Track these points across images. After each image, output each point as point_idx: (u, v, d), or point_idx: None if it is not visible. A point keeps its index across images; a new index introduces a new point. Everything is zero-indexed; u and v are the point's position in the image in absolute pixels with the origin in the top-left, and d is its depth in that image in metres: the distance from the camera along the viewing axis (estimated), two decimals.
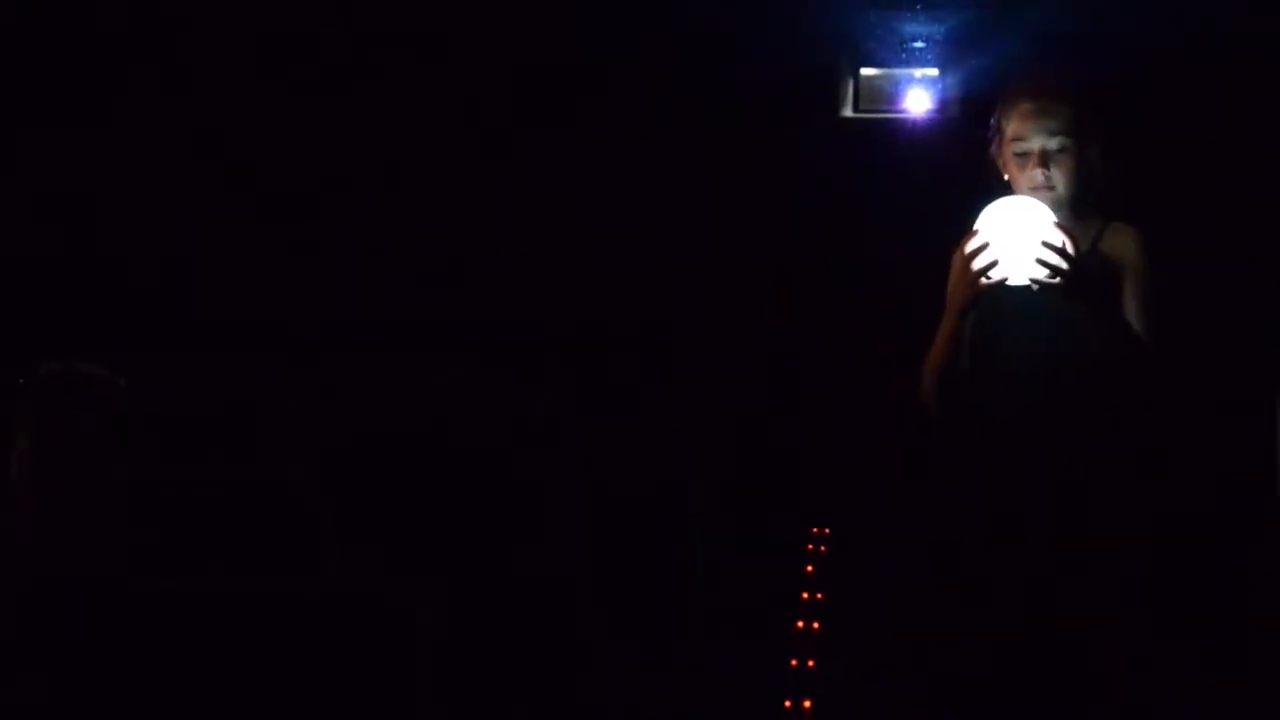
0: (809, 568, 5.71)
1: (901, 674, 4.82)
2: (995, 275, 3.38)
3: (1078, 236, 3.43)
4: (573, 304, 6.15)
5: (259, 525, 3.34)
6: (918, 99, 6.30)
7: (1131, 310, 3.44)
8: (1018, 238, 3.36)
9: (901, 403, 3.65)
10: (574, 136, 6.20)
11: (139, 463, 3.22)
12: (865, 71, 6.33)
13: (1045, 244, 3.33)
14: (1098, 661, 3.37)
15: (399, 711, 2.98)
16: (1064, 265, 3.33)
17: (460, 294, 6.14)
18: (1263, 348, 5.53)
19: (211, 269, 6.12)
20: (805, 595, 5.56)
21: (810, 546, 5.83)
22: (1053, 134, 3.48)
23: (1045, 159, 3.48)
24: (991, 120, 3.59)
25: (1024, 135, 3.50)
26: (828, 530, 5.90)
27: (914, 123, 6.31)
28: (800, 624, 5.43)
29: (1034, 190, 3.48)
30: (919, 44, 6.27)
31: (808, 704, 5.04)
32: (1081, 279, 3.35)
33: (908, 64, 6.30)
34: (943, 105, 6.27)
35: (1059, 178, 3.49)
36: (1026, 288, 3.38)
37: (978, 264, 3.38)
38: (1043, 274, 3.34)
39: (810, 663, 5.22)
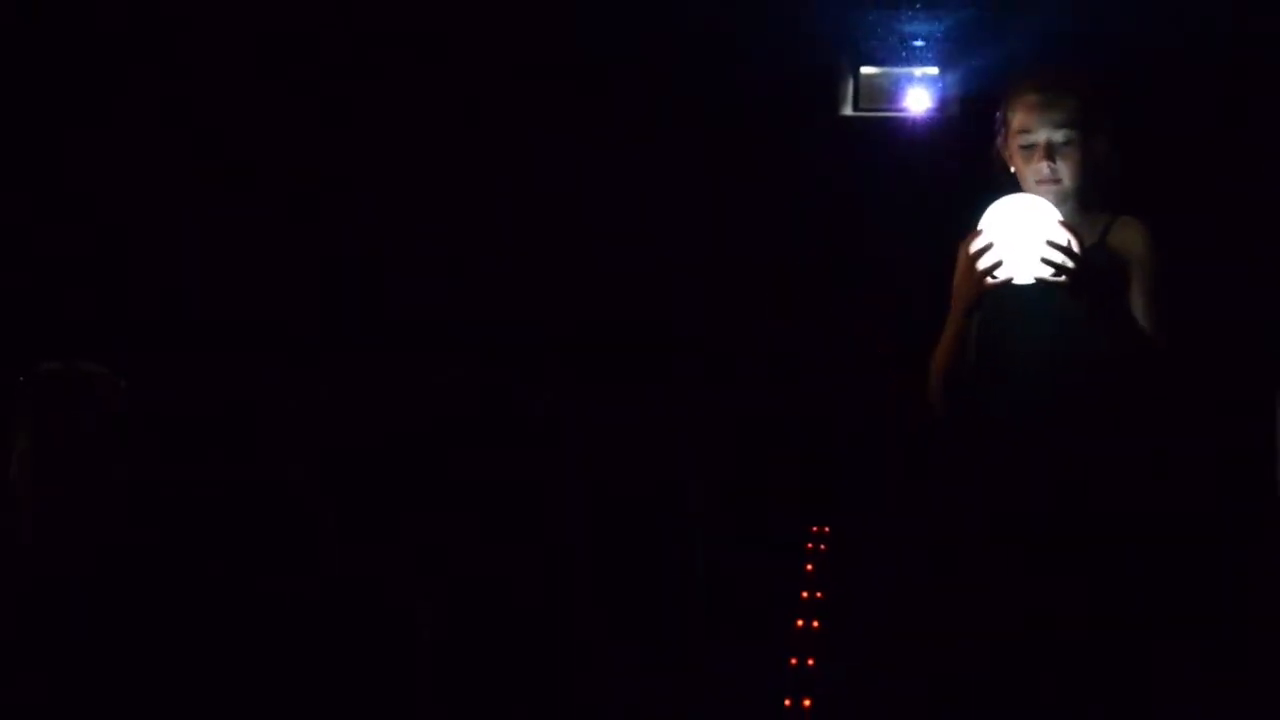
0: (809, 567, 5.71)
1: (901, 674, 4.82)
2: (1001, 274, 3.36)
3: (1084, 231, 3.42)
4: (573, 304, 6.15)
5: (259, 525, 3.35)
6: (918, 97, 6.30)
7: (1139, 306, 3.43)
8: (1023, 236, 3.35)
9: (902, 403, 3.65)
10: (574, 136, 6.20)
11: (139, 463, 3.22)
12: (865, 70, 6.33)
13: (1050, 243, 3.33)
14: (1098, 661, 3.37)
15: (399, 711, 2.99)
16: (1070, 264, 3.32)
17: (460, 294, 6.14)
18: (1263, 348, 5.53)
19: (211, 269, 6.12)
20: (805, 594, 5.56)
21: (810, 545, 5.83)
22: (1058, 126, 3.46)
23: (1051, 151, 3.46)
24: (997, 113, 3.56)
25: (1030, 127, 3.48)
26: (827, 529, 5.90)
27: (914, 121, 6.31)
28: (800, 623, 5.43)
29: (1040, 183, 3.47)
30: (919, 42, 6.27)
31: (807, 703, 5.04)
32: (1087, 277, 3.34)
33: (908, 63, 6.30)
34: (943, 104, 6.27)
35: (1065, 170, 3.46)
36: (1032, 286, 3.37)
37: (983, 263, 3.37)
38: (1048, 273, 3.34)
39: (810, 662, 5.23)
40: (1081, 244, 3.37)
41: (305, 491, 3.50)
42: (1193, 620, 3.70)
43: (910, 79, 6.29)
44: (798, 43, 6.22)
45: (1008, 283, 3.38)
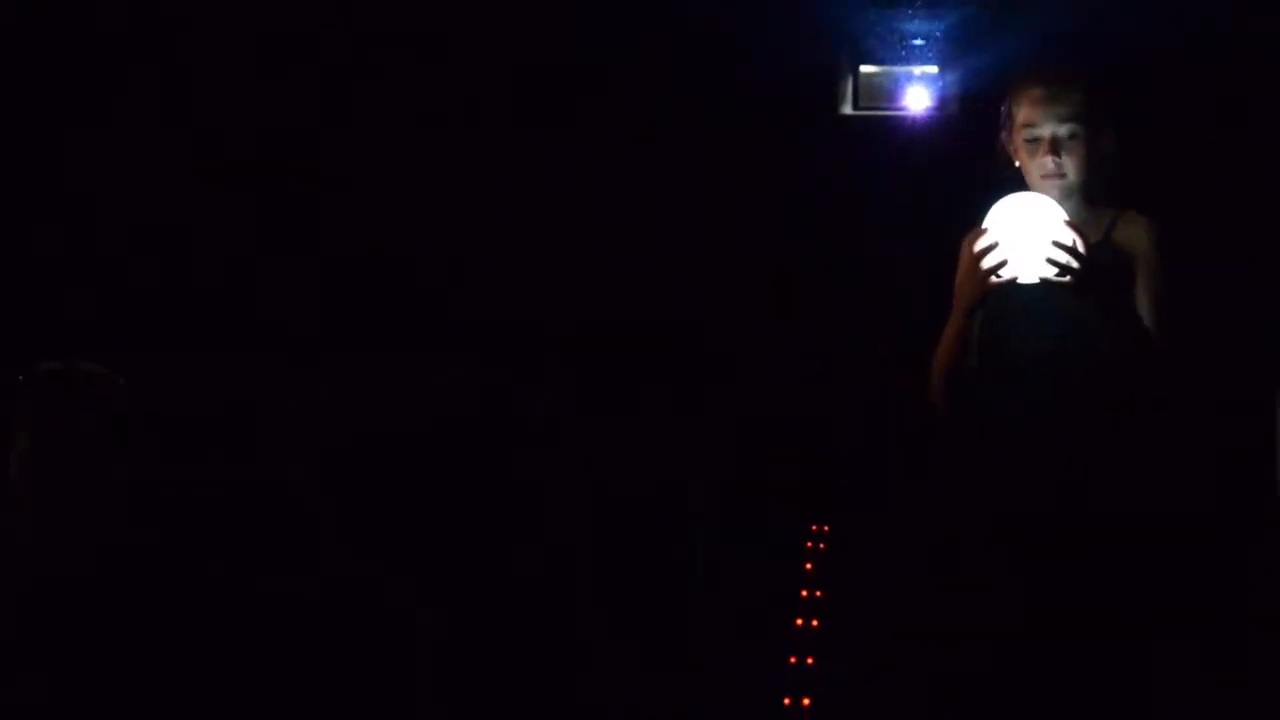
0: (808, 565, 5.71)
1: (901, 674, 4.82)
2: (1005, 274, 3.35)
3: (1088, 227, 3.40)
4: (573, 304, 6.15)
5: (259, 525, 3.34)
6: (917, 96, 6.29)
7: (1143, 304, 3.42)
8: (1028, 235, 3.33)
9: (902, 402, 3.65)
10: (574, 136, 6.20)
11: (139, 463, 3.22)
12: (865, 69, 6.32)
13: (1056, 243, 3.31)
14: (1098, 661, 3.37)
15: (399, 711, 2.98)
16: (1075, 264, 3.30)
17: (460, 294, 6.14)
18: (1263, 348, 5.53)
19: (211, 269, 6.12)
20: (805, 593, 5.56)
21: (809, 544, 5.82)
22: (1063, 120, 3.45)
23: (1056, 146, 3.45)
24: (1002, 107, 3.55)
25: (1034, 122, 3.47)
26: (826, 528, 5.89)
27: (913, 120, 6.31)
28: (799, 622, 5.43)
29: (1045, 178, 3.45)
30: (918, 41, 6.27)
31: (807, 702, 5.04)
32: (1092, 276, 3.33)
33: (907, 61, 6.29)
34: (942, 103, 6.27)
35: (1070, 165, 3.45)
36: (1036, 285, 3.35)
37: (987, 262, 3.36)
38: (1053, 273, 3.32)
39: (809, 661, 5.22)
40: (1086, 241, 3.35)
41: (305, 491, 3.50)
42: (1193, 620, 3.70)
43: (910, 78, 6.29)
44: (797, 42, 6.22)
45: (1012, 282, 3.36)
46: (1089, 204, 3.47)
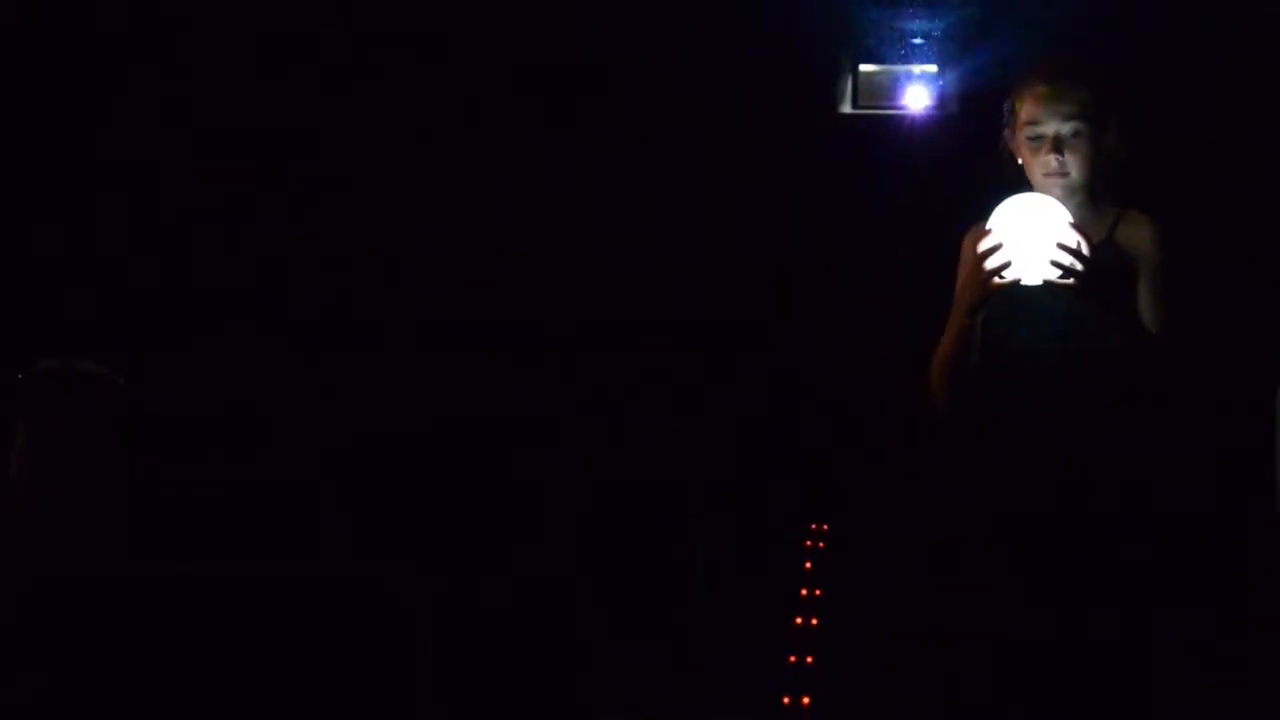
0: (808, 564, 5.71)
1: (901, 673, 4.82)
2: (1009, 276, 3.33)
3: (1091, 226, 3.39)
4: (573, 304, 6.15)
5: (259, 525, 3.34)
6: (916, 95, 6.29)
7: (1145, 304, 3.41)
8: (1032, 237, 3.31)
9: (902, 402, 3.65)
10: (574, 136, 6.20)
11: (139, 463, 3.22)
12: (864, 68, 6.32)
13: (1060, 245, 3.29)
14: (1098, 661, 3.37)
15: (399, 711, 2.98)
16: (1079, 266, 3.29)
17: (460, 294, 6.14)
18: (1263, 348, 5.53)
19: (211, 269, 6.12)
20: (804, 592, 5.56)
21: (809, 543, 5.83)
22: (1067, 118, 3.42)
23: (1059, 144, 3.42)
24: (1005, 104, 3.52)
25: (1038, 120, 3.44)
26: (825, 526, 5.90)
27: (913, 119, 6.31)
28: (799, 621, 5.43)
29: (1047, 176, 3.43)
30: (918, 40, 6.27)
31: (806, 701, 5.04)
32: (1096, 278, 3.32)
33: (907, 60, 6.29)
34: (941, 101, 6.27)
35: (1073, 163, 3.43)
36: (1038, 286, 3.34)
37: (991, 264, 3.34)
38: (1056, 274, 3.31)
39: (809, 660, 5.23)
40: (1089, 242, 3.34)
41: (305, 491, 3.50)
42: (1193, 620, 3.70)
43: (909, 77, 6.29)
44: (796, 40, 6.22)
45: (1015, 284, 3.35)
46: (1092, 203, 3.46)
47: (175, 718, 2.95)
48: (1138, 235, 3.46)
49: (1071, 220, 3.34)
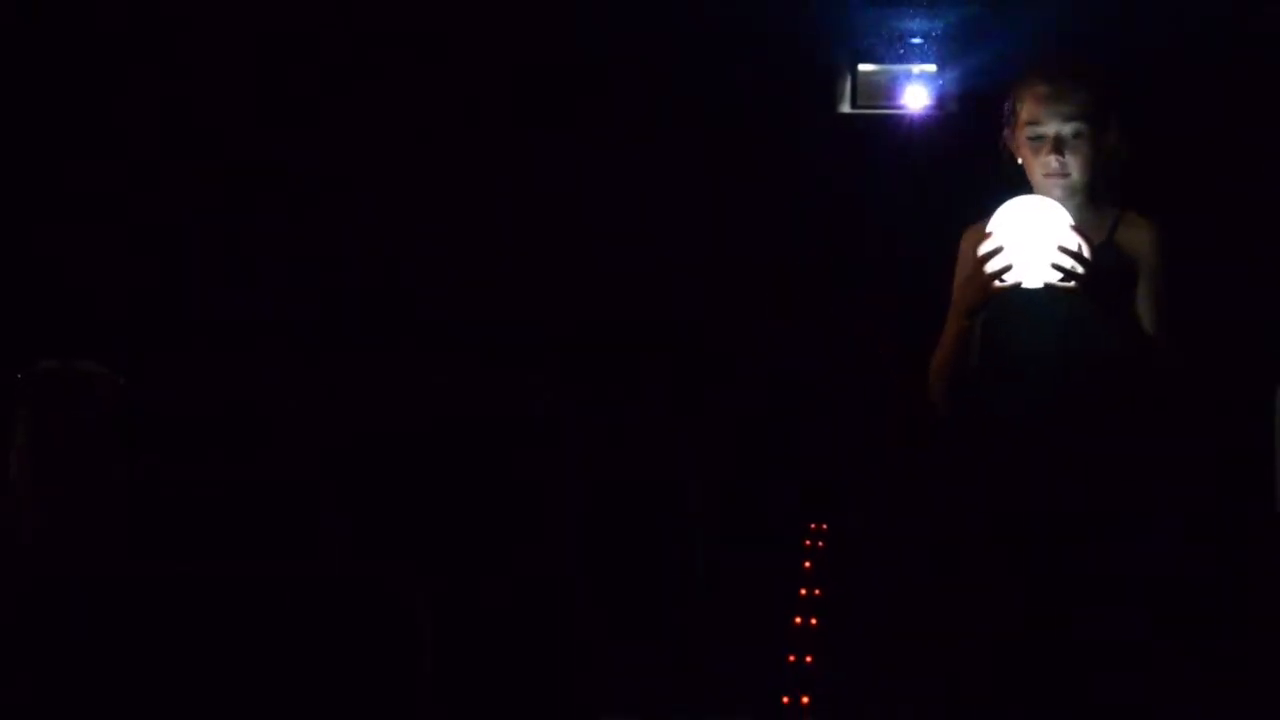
0: (807, 564, 5.71)
1: (901, 672, 4.82)
2: (1009, 279, 3.31)
3: (1091, 228, 3.37)
4: (573, 304, 6.15)
5: (259, 525, 3.34)
6: (916, 95, 6.29)
7: (1144, 306, 3.39)
8: (1033, 240, 3.29)
9: (902, 402, 3.64)
10: (574, 136, 6.20)
11: (139, 462, 3.22)
12: (863, 67, 6.32)
13: (1061, 248, 3.28)
14: (1098, 661, 3.37)
15: (399, 711, 2.98)
16: (1080, 269, 3.27)
17: (460, 294, 6.14)
18: (1263, 348, 5.53)
19: (211, 269, 6.12)
20: (804, 591, 5.56)
21: (808, 542, 5.83)
22: (1068, 119, 3.40)
23: (1060, 145, 3.40)
24: (1005, 104, 3.50)
25: (1038, 119, 3.42)
26: (825, 526, 5.89)
27: (912, 119, 6.31)
28: (799, 620, 5.43)
29: (1048, 177, 3.41)
30: (917, 40, 6.27)
31: (806, 701, 5.04)
32: (1097, 281, 3.30)
33: (906, 60, 6.29)
34: (941, 101, 6.27)
35: (1074, 164, 3.41)
36: (1039, 288, 3.33)
37: (991, 267, 3.32)
38: (1057, 277, 3.29)
39: (809, 659, 5.22)
40: (1090, 244, 3.33)
41: (305, 491, 3.50)
42: (1193, 620, 3.70)
43: (908, 76, 6.29)
44: (795, 40, 6.22)
45: (1016, 286, 3.33)
46: (1092, 204, 3.44)
47: (175, 718, 2.95)
48: (1137, 237, 3.44)
49: (1072, 223, 3.33)
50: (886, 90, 6.33)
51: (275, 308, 6.03)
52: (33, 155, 5.98)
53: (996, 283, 3.33)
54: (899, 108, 6.31)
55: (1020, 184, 3.49)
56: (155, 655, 2.95)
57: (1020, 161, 3.48)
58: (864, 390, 6.09)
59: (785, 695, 5.06)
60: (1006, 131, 3.51)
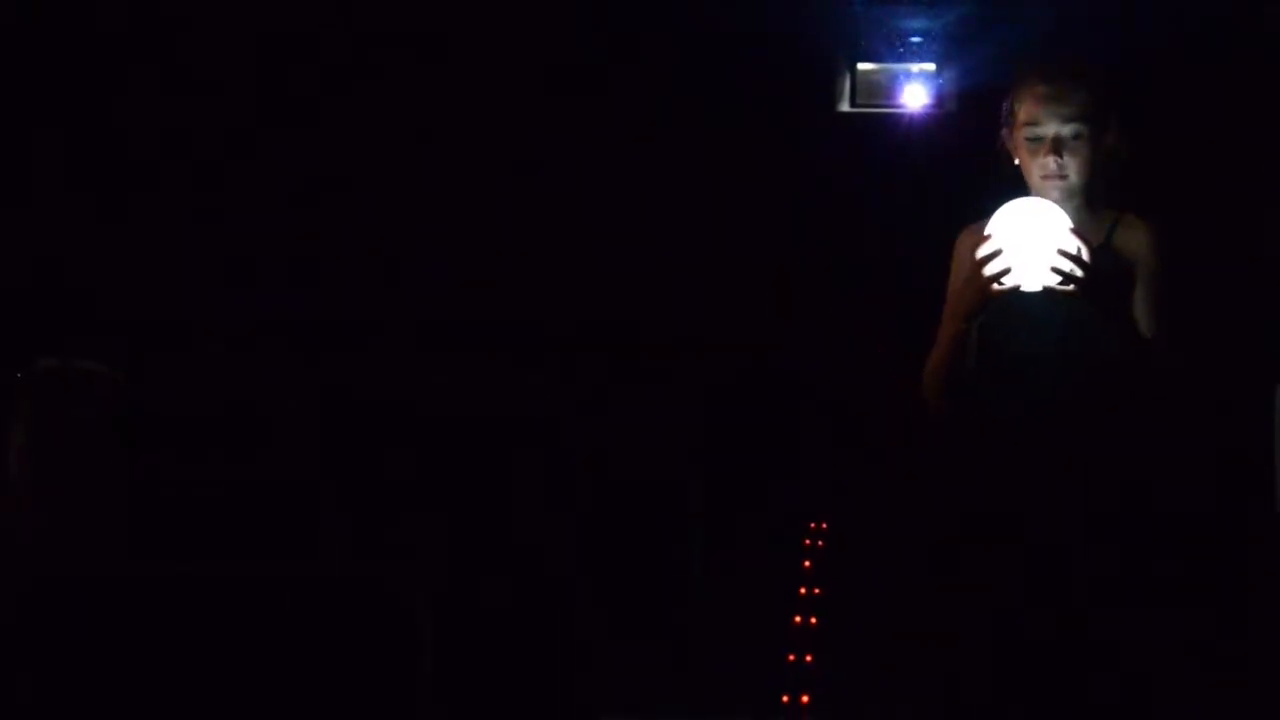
0: (807, 563, 5.72)
1: (900, 672, 4.82)
2: (1008, 282, 3.28)
3: (1089, 231, 3.33)
4: (573, 304, 6.15)
5: (259, 525, 3.34)
6: (915, 94, 6.30)
7: (1142, 309, 3.37)
8: (1032, 243, 3.26)
9: (901, 402, 3.64)
10: (574, 136, 6.20)
11: (139, 462, 3.22)
12: (862, 66, 6.32)
13: (1061, 251, 3.26)
14: (1097, 661, 3.37)
15: (399, 711, 2.98)
16: (1079, 273, 3.25)
17: (460, 294, 6.15)
18: (1263, 348, 5.53)
19: (211, 269, 6.12)
20: (803, 590, 5.57)
21: (807, 541, 5.83)
22: (1067, 120, 3.36)
23: (1058, 146, 3.36)
24: (1004, 103, 3.46)
25: (1037, 120, 3.37)
26: (824, 525, 5.90)
27: (911, 118, 6.31)
28: (798, 619, 5.43)
29: (1045, 178, 3.37)
30: (916, 39, 6.27)
31: (805, 700, 5.04)
32: (1096, 284, 3.28)
33: (905, 59, 6.30)
34: (940, 100, 6.27)
35: (1072, 166, 3.37)
36: (1038, 291, 3.31)
37: (990, 270, 3.29)
38: (1056, 281, 3.27)
39: (808, 658, 5.23)
40: (1089, 246, 3.31)
41: (305, 491, 3.50)
42: (1193, 620, 3.70)
43: (908, 75, 6.29)
44: (795, 39, 6.22)
45: (1015, 289, 3.31)
46: (1090, 206, 3.40)
47: (175, 718, 2.95)
48: (1135, 240, 3.41)
49: (1072, 225, 3.30)
50: (886, 89, 6.33)
51: (275, 308, 6.03)
52: (33, 155, 5.98)
53: (995, 286, 3.31)
54: (898, 107, 6.31)
55: (1019, 184, 3.46)
56: (155, 655, 2.95)
57: (1017, 162, 3.45)
58: (864, 390, 6.10)
59: (785, 695, 5.06)
60: (1004, 132, 3.46)
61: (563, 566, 4.30)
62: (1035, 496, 3.38)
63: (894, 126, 6.33)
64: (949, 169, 5.76)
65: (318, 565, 3.27)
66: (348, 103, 6.14)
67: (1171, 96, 5.73)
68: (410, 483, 4.21)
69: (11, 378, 3.21)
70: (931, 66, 6.28)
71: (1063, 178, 3.39)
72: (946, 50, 6.26)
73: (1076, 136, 3.38)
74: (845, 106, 6.35)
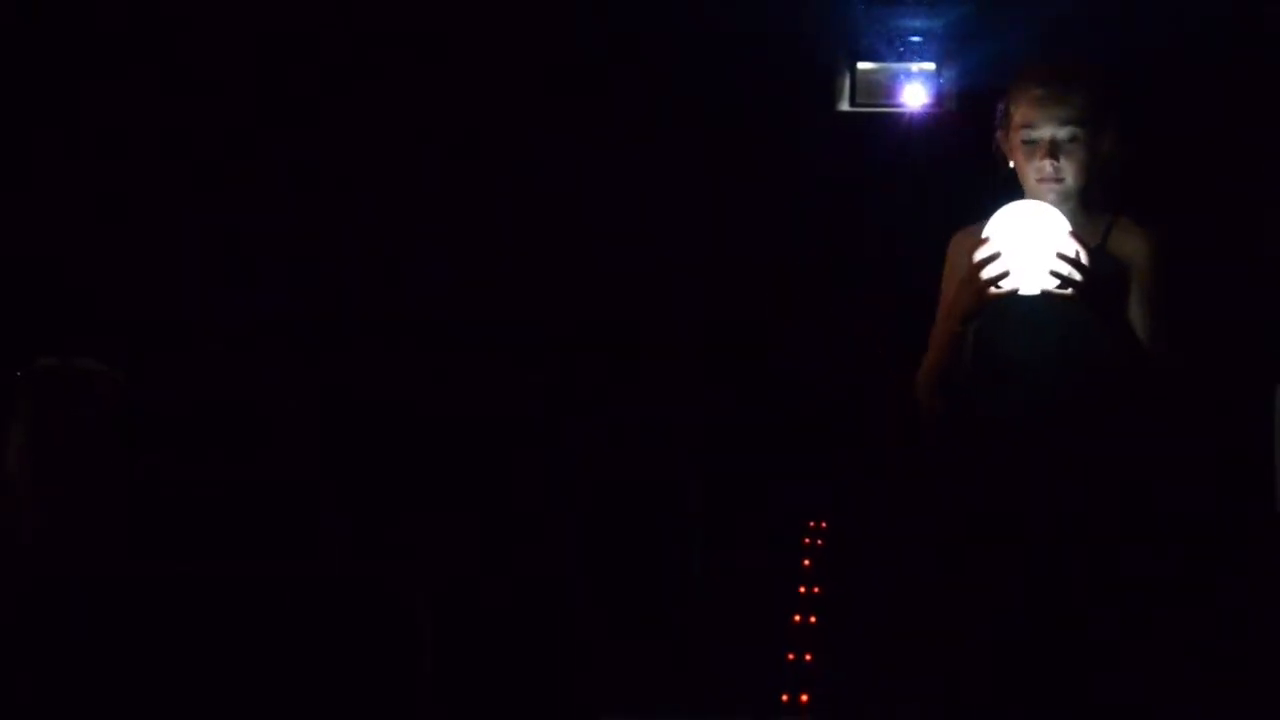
0: (806, 562, 5.72)
1: (899, 671, 4.82)
2: (1006, 285, 3.25)
3: (1085, 233, 3.31)
4: (573, 304, 6.16)
5: (259, 525, 3.34)
6: (914, 93, 6.29)
7: (1137, 313, 3.36)
8: (1031, 246, 3.23)
9: (901, 402, 3.63)
10: (574, 136, 6.21)
11: (139, 462, 3.22)
12: (862, 66, 6.32)
13: (1060, 255, 3.24)
14: (1097, 661, 3.37)
15: (399, 711, 2.98)
16: (1078, 276, 3.24)
17: (460, 294, 6.15)
18: (1263, 348, 5.53)
19: (211, 268, 6.12)
20: (802, 589, 5.57)
21: (806, 541, 5.83)
22: (1063, 123, 3.32)
23: (1054, 149, 3.32)
24: (998, 105, 3.43)
25: (1032, 123, 3.33)
26: (824, 525, 5.90)
27: (911, 117, 6.31)
28: (797, 618, 5.43)
29: (1041, 182, 3.33)
30: (916, 38, 6.27)
31: (805, 699, 5.04)
32: (1095, 287, 3.26)
33: (904, 58, 6.29)
34: (940, 100, 6.27)
35: (1068, 169, 3.33)
36: (1036, 295, 3.29)
37: (988, 273, 3.26)
38: (1055, 284, 3.25)
39: (808, 658, 5.23)
40: (1087, 250, 3.29)
41: (305, 491, 3.50)
42: (1193, 620, 3.70)
43: (907, 74, 6.29)
44: (794, 39, 6.22)
45: (1012, 293, 3.30)
46: (1085, 210, 3.36)
47: (175, 718, 2.95)
48: (1131, 244, 3.38)
49: (1070, 228, 3.28)
50: (885, 89, 6.33)
51: (275, 308, 6.04)
52: (33, 155, 5.98)
53: (992, 289, 3.29)
54: (898, 106, 6.31)
55: (1016, 186, 3.44)
56: (155, 655, 2.95)
57: (1012, 165, 3.41)
58: (864, 390, 6.10)
59: (785, 694, 5.07)
60: (999, 134, 3.42)
61: (563, 566, 4.31)
62: (1035, 497, 3.38)
63: (894, 126, 6.33)
64: (949, 169, 5.76)
65: (318, 565, 3.27)
66: (348, 103, 6.14)
67: (1171, 96, 5.73)
68: (410, 483, 4.22)
69: (11, 377, 3.21)
70: (931, 66, 6.27)
71: (1058, 181, 3.35)
72: (946, 50, 6.26)
73: (1072, 139, 3.34)
74: (845, 106, 6.35)
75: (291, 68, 6.10)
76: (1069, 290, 3.24)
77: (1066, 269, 3.22)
